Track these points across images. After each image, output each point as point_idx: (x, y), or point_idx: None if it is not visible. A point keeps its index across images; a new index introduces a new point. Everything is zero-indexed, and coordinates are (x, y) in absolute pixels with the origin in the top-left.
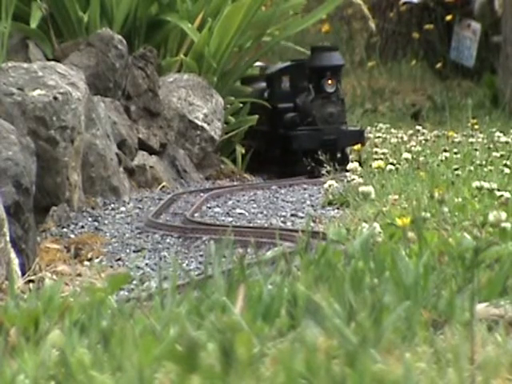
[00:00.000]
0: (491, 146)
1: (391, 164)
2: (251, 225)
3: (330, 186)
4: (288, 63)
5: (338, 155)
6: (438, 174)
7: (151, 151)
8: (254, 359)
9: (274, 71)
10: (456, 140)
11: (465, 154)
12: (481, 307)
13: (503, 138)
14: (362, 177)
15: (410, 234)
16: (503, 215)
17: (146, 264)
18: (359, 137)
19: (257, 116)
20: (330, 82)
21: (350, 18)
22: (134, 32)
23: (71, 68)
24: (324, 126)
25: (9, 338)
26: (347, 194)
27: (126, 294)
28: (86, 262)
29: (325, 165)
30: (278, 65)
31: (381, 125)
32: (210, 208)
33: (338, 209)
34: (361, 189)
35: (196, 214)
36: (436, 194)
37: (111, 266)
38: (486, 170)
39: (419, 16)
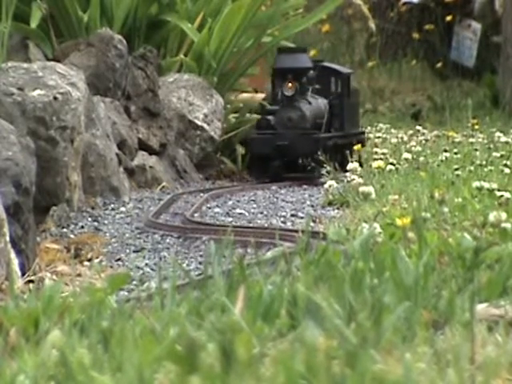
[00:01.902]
0: (491, 146)
1: (391, 164)
2: (251, 225)
3: (330, 186)
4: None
5: (301, 161)
6: (438, 174)
7: (151, 151)
8: (253, 360)
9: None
10: (456, 140)
11: (465, 154)
12: (481, 307)
13: (503, 138)
14: (361, 177)
15: (410, 234)
16: (503, 215)
17: (146, 264)
18: (315, 144)
19: (256, 116)
20: (290, 85)
21: (350, 18)
22: (134, 32)
23: (71, 68)
24: (281, 131)
25: (9, 339)
26: (347, 194)
27: (126, 294)
28: (86, 262)
29: (325, 165)
30: None
31: (381, 125)
32: (209, 208)
33: (338, 209)
34: (361, 189)
35: (196, 214)
36: (436, 194)
37: (111, 266)
38: (486, 170)
39: (419, 16)
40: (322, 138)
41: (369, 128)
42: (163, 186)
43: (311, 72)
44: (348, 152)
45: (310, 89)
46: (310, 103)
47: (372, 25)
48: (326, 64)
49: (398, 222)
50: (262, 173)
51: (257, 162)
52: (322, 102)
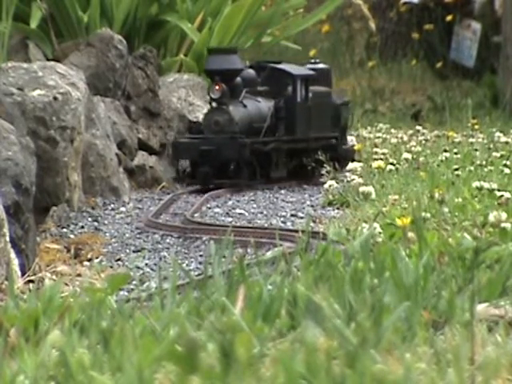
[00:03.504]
0: (491, 146)
1: (391, 164)
2: (251, 225)
3: (330, 186)
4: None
5: (232, 167)
6: (438, 174)
7: (151, 151)
8: (253, 360)
9: None
10: (456, 140)
11: (465, 154)
12: (481, 308)
13: (503, 138)
14: (361, 177)
15: (410, 235)
16: (503, 215)
17: (146, 264)
18: (241, 149)
19: None
20: (216, 87)
21: (350, 18)
22: (134, 32)
23: (71, 68)
24: (207, 135)
25: (9, 339)
26: (347, 194)
27: (126, 294)
28: (86, 263)
29: (325, 165)
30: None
31: (381, 125)
32: (209, 208)
33: (338, 209)
34: (361, 189)
35: (196, 214)
36: (436, 194)
37: (111, 266)
38: (486, 170)
39: (419, 16)
40: (251, 143)
41: (369, 128)
42: (163, 186)
43: (249, 72)
44: (307, 157)
45: (244, 91)
46: (244, 106)
47: (372, 25)
48: (278, 65)
49: (398, 222)
50: (191, 178)
51: (189, 168)
52: (264, 105)
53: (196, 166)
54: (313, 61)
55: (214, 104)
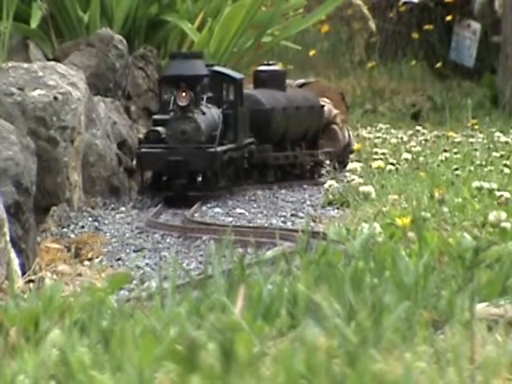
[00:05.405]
0: (491, 146)
1: (391, 164)
2: (251, 225)
3: (330, 186)
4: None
5: (199, 179)
6: (437, 174)
7: None
8: (254, 359)
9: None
10: (456, 140)
11: (465, 154)
12: (481, 307)
13: (503, 138)
14: (361, 177)
15: (410, 234)
16: (503, 215)
17: (146, 264)
18: (211, 158)
19: None
20: (183, 94)
21: (350, 18)
22: (134, 32)
23: (71, 68)
24: (174, 145)
25: (9, 338)
26: (347, 194)
27: (126, 293)
28: (87, 262)
29: (324, 165)
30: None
31: (381, 125)
32: (210, 208)
33: (338, 209)
34: (361, 189)
35: (196, 214)
36: (436, 194)
37: (111, 266)
38: (485, 170)
39: (419, 16)
40: (219, 153)
41: (368, 128)
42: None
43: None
44: (240, 165)
45: (205, 98)
46: (204, 114)
47: (372, 25)
48: (217, 68)
49: (398, 221)
50: (156, 190)
51: (151, 179)
52: (215, 112)
53: (160, 177)
54: (266, 62)
55: (178, 112)
